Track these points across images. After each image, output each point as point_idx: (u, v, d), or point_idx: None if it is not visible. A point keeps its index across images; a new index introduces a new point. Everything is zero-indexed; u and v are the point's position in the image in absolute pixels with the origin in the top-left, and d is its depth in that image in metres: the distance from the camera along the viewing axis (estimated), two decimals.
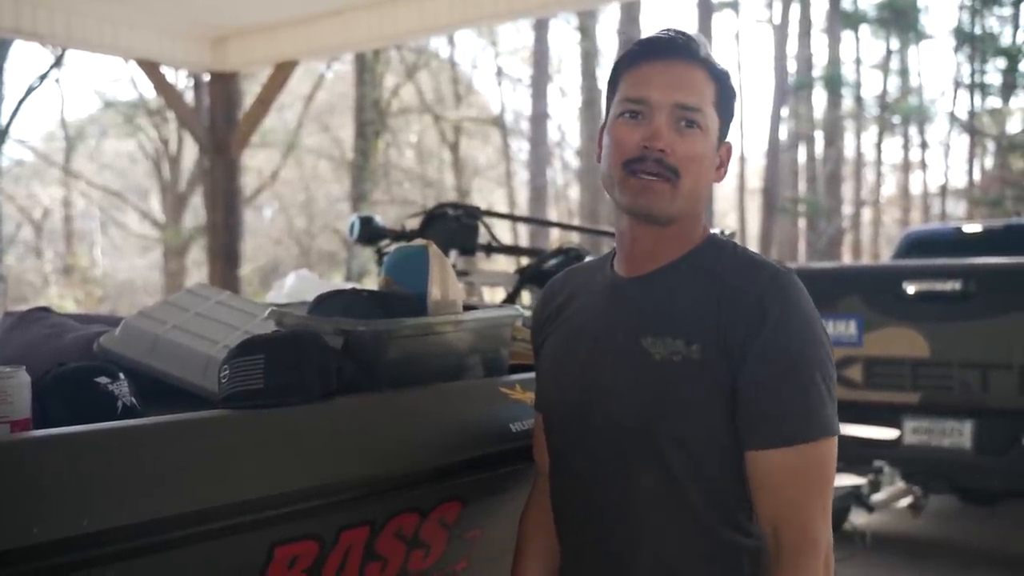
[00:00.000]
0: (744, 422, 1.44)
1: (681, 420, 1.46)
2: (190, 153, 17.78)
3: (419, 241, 2.06)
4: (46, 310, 2.30)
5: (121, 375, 1.67)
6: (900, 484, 5.22)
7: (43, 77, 17.03)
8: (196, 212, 17.79)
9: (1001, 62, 22.39)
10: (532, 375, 1.78)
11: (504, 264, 4.43)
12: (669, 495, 1.48)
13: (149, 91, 16.79)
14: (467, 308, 2.06)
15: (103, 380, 1.63)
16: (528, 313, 3.27)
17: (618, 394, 1.51)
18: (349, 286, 2.24)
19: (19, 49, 17.99)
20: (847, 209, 23.41)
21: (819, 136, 23.08)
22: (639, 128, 1.48)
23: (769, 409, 1.42)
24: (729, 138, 1.58)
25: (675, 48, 1.51)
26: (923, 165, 25.51)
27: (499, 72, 22.57)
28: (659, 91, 1.48)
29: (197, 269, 17.16)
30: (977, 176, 24.19)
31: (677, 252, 1.55)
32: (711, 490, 1.47)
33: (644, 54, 1.52)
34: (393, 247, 2.89)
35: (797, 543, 1.42)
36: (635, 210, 1.51)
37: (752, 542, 1.48)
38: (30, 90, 16.32)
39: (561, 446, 1.63)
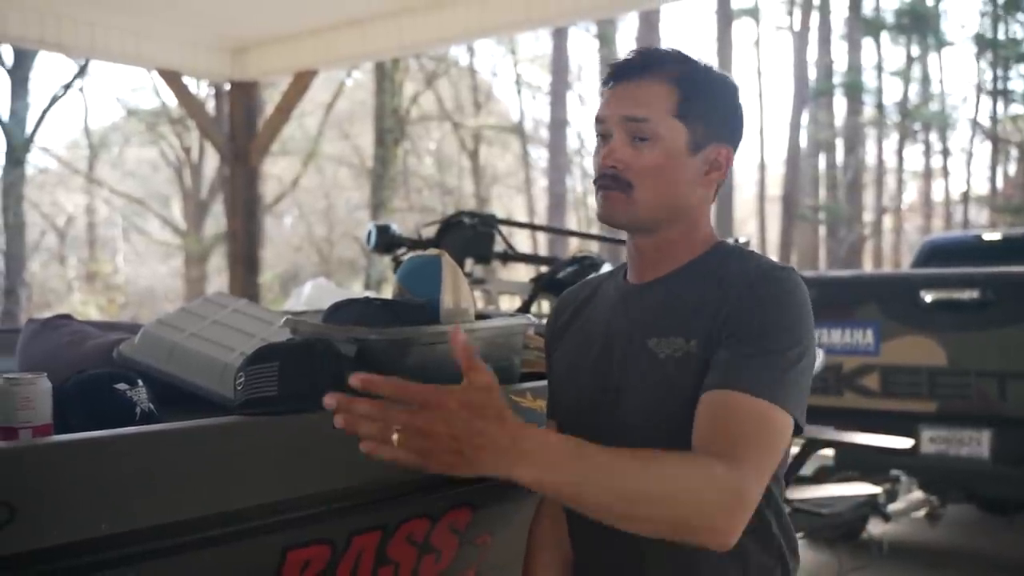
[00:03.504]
0: (711, 369, 1.43)
1: (685, 415, 1.46)
2: (211, 161, 17.92)
3: (433, 250, 2.09)
4: (67, 317, 2.34)
5: (139, 382, 1.71)
6: (917, 493, 5.20)
7: (67, 87, 17.17)
8: (217, 219, 17.94)
9: (1023, 69, 22.26)
10: (544, 383, 1.80)
11: (523, 272, 4.46)
12: None
13: (171, 100, 16.93)
14: (480, 317, 2.08)
15: (122, 386, 1.66)
16: (542, 322, 3.29)
17: (626, 395, 1.55)
18: (364, 295, 2.27)
19: (44, 60, 18.18)
20: (868, 217, 23.33)
21: (840, 143, 23.01)
22: (604, 148, 1.58)
23: (728, 360, 1.42)
24: (735, 142, 1.61)
25: (628, 68, 1.58)
26: (945, 172, 25.40)
27: (518, 80, 22.64)
28: (610, 109, 1.57)
29: (218, 276, 17.28)
30: (1000, 183, 24.06)
31: (681, 259, 1.60)
32: None
33: (605, 80, 1.62)
34: (409, 255, 2.92)
35: (723, 454, 1.33)
36: (602, 220, 1.61)
37: (768, 537, 1.50)
38: (54, 99, 16.48)
39: None
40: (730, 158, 1.61)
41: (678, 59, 1.59)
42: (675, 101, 1.55)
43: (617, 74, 1.59)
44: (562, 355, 1.72)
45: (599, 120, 1.59)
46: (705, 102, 1.57)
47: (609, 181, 1.56)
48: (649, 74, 1.56)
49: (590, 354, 1.63)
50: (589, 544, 1.64)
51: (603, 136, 1.59)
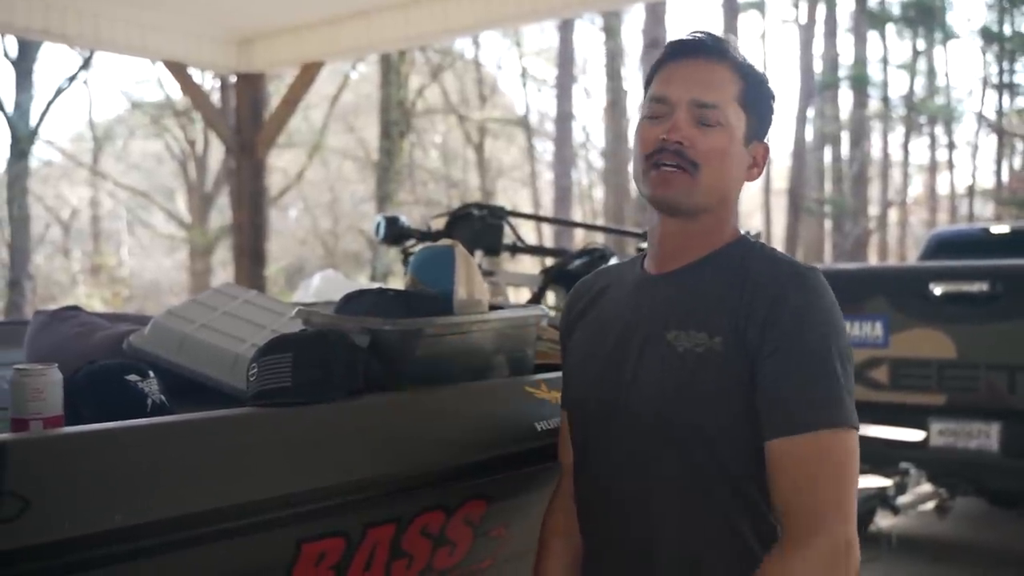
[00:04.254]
0: (762, 411, 1.44)
1: (701, 411, 1.47)
2: (216, 153, 17.90)
3: (445, 241, 2.07)
4: (76, 309, 2.33)
5: (151, 373, 1.69)
6: (926, 486, 5.19)
7: (71, 79, 17.12)
8: (222, 212, 17.91)
9: None
10: (558, 374, 1.79)
11: (530, 264, 4.45)
12: (690, 487, 1.49)
13: (176, 92, 16.92)
14: (493, 308, 2.07)
15: (133, 378, 1.65)
16: (553, 313, 3.28)
17: (640, 386, 1.53)
18: (375, 286, 2.26)
19: (48, 51, 18.17)
20: (873, 210, 23.25)
21: (845, 136, 22.93)
22: (661, 125, 1.52)
23: (785, 397, 1.42)
24: (767, 141, 1.60)
25: (698, 48, 1.54)
26: (950, 165, 25.32)
27: (524, 73, 22.57)
28: (677, 88, 1.52)
29: (223, 269, 17.27)
30: (1005, 177, 23.98)
31: (704, 249, 1.57)
32: (733, 481, 1.48)
33: (670, 56, 1.57)
34: (419, 247, 2.91)
35: (804, 532, 1.39)
36: (656, 200, 1.55)
37: (774, 534, 1.48)
38: (59, 92, 16.43)
39: (585, 441, 1.64)
40: (767, 156, 1.60)
41: (737, 48, 1.57)
42: (740, 89, 1.53)
43: (683, 52, 1.55)
44: (577, 344, 1.70)
45: (661, 99, 1.53)
46: (761, 97, 1.57)
47: (672, 157, 1.50)
48: (719, 58, 1.53)
49: (605, 344, 1.61)
50: (599, 538, 1.62)
51: (657, 116, 1.53)
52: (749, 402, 1.45)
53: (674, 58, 1.55)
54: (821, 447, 1.41)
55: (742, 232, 1.63)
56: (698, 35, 1.57)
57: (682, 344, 1.49)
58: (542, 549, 1.76)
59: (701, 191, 1.52)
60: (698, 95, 1.50)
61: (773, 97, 1.60)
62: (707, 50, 1.54)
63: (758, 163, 1.59)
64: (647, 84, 1.59)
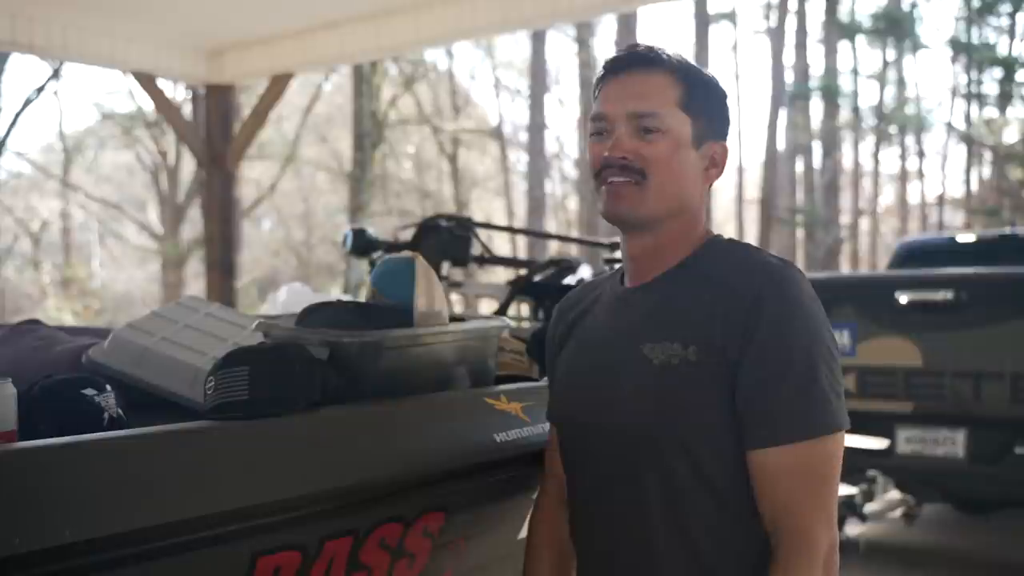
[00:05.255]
0: (744, 422, 1.44)
1: (682, 424, 1.47)
2: (188, 165, 17.82)
3: (407, 253, 2.07)
4: (36, 322, 2.31)
5: (108, 387, 1.68)
6: (893, 493, 5.23)
7: (41, 89, 17.07)
8: (194, 224, 17.83)
9: (998, 72, 22.45)
10: (519, 386, 1.79)
11: (502, 275, 4.45)
12: (677, 500, 1.49)
13: (147, 103, 16.83)
14: (454, 319, 2.07)
15: (90, 392, 1.64)
16: (516, 324, 3.28)
17: (622, 402, 1.53)
18: (337, 298, 2.26)
19: (17, 62, 18.03)
20: (845, 219, 23.44)
21: (816, 146, 23.12)
22: (604, 142, 1.54)
23: (767, 408, 1.42)
24: (726, 139, 1.60)
25: (632, 61, 1.56)
26: (920, 175, 25.58)
27: (497, 83, 22.66)
28: (614, 104, 1.54)
29: (195, 281, 17.17)
30: (975, 186, 24.24)
31: (676, 258, 1.57)
32: (719, 493, 1.47)
33: (607, 73, 1.58)
34: (384, 258, 2.90)
35: (795, 544, 1.41)
36: (610, 217, 1.56)
37: (761, 544, 1.49)
38: (28, 102, 16.36)
39: (573, 459, 1.65)
40: (725, 155, 1.60)
41: (674, 55, 1.57)
42: (680, 93, 1.53)
43: (618, 67, 1.56)
44: (562, 362, 1.71)
45: (600, 117, 1.55)
46: (705, 97, 1.56)
47: (618, 171, 1.51)
48: (653, 67, 1.54)
49: (585, 362, 1.63)
50: (593, 552, 1.63)
51: (600, 133, 1.55)
52: (730, 412, 1.45)
53: (611, 74, 1.57)
54: (803, 457, 1.41)
55: (714, 233, 1.63)
56: (627, 50, 1.58)
57: (657, 357, 1.49)
58: (531, 556, 1.77)
59: (651, 199, 1.52)
60: (633, 107, 1.51)
61: (723, 96, 1.60)
62: (640, 61, 1.55)
63: (717, 163, 1.58)
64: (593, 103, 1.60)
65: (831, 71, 22.71)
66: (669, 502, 1.49)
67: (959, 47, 23.16)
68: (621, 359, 1.54)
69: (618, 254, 3.62)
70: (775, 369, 1.42)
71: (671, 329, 1.50)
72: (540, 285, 3.31)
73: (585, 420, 1.59)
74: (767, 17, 23.37)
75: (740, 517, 1.48)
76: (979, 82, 23.33)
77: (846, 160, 23.96)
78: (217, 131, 7.90)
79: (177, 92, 15.18)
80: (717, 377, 1.45)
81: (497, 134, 22.13)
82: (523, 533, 2.00)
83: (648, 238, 1.56)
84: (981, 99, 23.30)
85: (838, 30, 22.72)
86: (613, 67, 1.57)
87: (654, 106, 1.51)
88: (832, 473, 1.45)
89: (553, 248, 15.32)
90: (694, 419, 1.46)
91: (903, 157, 25.38)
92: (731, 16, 23.40)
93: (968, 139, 23.59)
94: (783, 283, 1.47)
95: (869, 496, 5.06)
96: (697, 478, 1.47)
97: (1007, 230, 6.85)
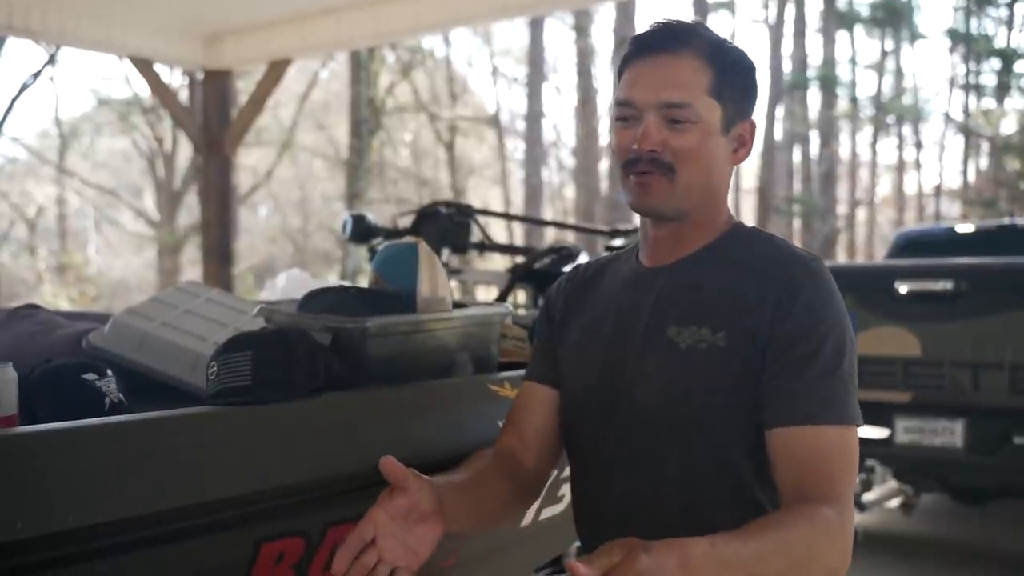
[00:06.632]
0: (765, 401, 1.43)
1: (707, 407, 1.46)
2: (185, 151, 17.76)
3: (409, 238, 2.06)
4: (35, 307, 2.30)
5: (109, 372, 1.67)
6: (891, 483, 5.24)
7: (37, 75, 16.95)
8: (191, 210, 17.79)
9: (996, 63, 22.45)
10: (521, 373, 1.78)
11: (500, 263, 4.44)
12: (696, 483, 1.48)
13: (143, 89, 16.76)
14: (457, 306, 2.06)
15: (90, 377, 1.63)
16: (520, 311, 3.27)
17: (644, 383, 1.51)
18: (339, 283, 2.24)
19: (12, 46, 17.95)
20: (842, 209, 23.46)
21: (814, 136, 23.12)
22: (632, 130, 1.50)
23: (791, 388, 1.41)
24: (754, 115, 1.57)
25: (661, 41, 1.50)
26: (918, 165, 25.57)
27: (494, 71, 22.57)
28: (643, 92, 1.48)
29: (192, 267, 17.14)
30: (972, 177, 24.25)
31: (701, 241, 1.56)
32: (738, 477, 1.47)
33: (635, 52, 1.53)
34: (385, 244, 2.89)
35: (823, 493, 1.36)
36: (638, 209, 1.54)
37: None
38: (24, 88, 16.26)
39: (585, 438, 1.62)
40: (753, 132, 1.57)
41: (704, 32, 1.52)
42: (710, 78, 1.48)
43: (646, 48, 1.50)
44: (571, 339, 1.66)
45: (628, 103, 1.50)
46: (734, 78, 1.52)
47: (648, 165, 1.48)
48: (683, 49, 1.48)
49: (602, 337, 1.59)
50: (604, 533, 1.61)
51: (627, 119, 1.51)
52: (753, 395, 1.44)
53: (639, 55, 1.51)
54: (825, 441, 1.40)
55: (735, 219, 1.61)
56: (655, 28, 1.52)
57: (684, 341, 1.48)
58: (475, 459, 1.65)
59: (680, 192, 1.50)
60: (666, 96, 1.47)
61: (751, 71, 1.56)
62: (670, 41, 1.49)
63: (745, 143, 1.55)
64: (617, 82, 1.56)
65: (829, 61, 22.70)
66: (686, 480, 1.48)
67: (957, 37, 23.15)
68: (643, 340, 1.53)
69: (617, 242, 3.63)
70: (801, 354, 1.42)
71: (700, 315, 1.49)
72: (540, 272, 3.30)
73: (602, 400, 1.56)
74: (766, 6, 23.33)
75: (755, 502, 1.47)
76: (977, 73, 23.34)
77: (843, 150, 23.98)
78: (214, 117, 7.87)
79: (174, 78, 15.11)
80: (746, 363, 1.44)
81: (494, 122, 22.06)
82: (525, 520, 1.99)
83: (673, 226, 1.55)
84: (979, 90, 23.31)
85: (836, 20, 22.70)
86: (641, 47, 1.51)
87: (685, 96, 1.47)
88: (851, 462, 1.42)
89: (550, 236, 15.32)
90: (721, 402, 1.46)
91: (900, 147, 25.38)
92: (730, 5, 23.32)
93: (966, 130, 23.59)
94: (815, 273, 1.47)
95: (867, 486, 5.06)
96: (718, 461, 1.47)
97: (1006, 220, 6.82)
